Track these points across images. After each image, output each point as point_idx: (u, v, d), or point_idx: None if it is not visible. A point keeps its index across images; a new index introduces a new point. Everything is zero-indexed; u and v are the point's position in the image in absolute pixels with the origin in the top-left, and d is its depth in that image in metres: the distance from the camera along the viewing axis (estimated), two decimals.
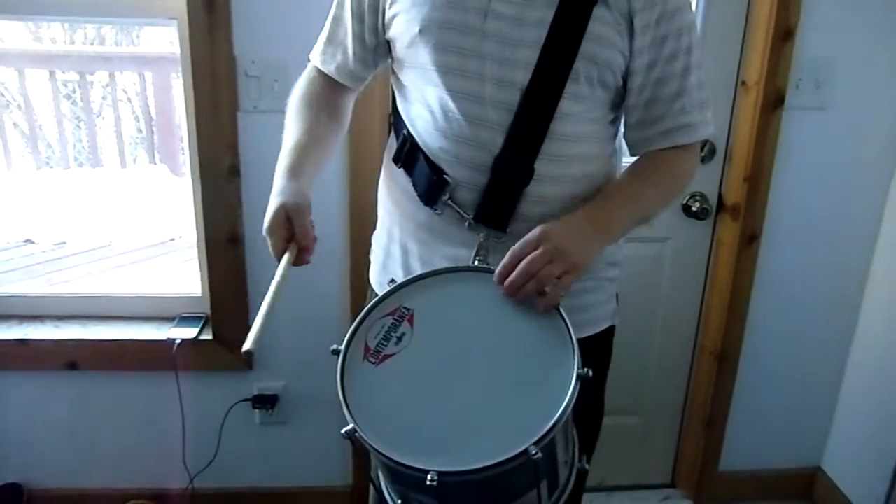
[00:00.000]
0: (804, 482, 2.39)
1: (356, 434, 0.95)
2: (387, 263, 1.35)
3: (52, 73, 3.99)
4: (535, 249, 1.06)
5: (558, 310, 1.04)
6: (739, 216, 2.06)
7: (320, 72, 1.35)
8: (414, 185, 1.24)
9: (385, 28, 1.24)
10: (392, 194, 1.32)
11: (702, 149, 2.03)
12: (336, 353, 1.04)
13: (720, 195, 2.11)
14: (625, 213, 1.19)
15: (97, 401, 2.11)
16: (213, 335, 2.03)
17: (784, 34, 1.90)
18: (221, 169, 1.89)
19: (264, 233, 1.14)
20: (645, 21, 1.13)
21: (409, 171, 1.24)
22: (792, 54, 1.92)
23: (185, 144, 2.00)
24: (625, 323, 2.12)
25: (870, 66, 1.98)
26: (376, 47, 1.29)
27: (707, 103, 1.23)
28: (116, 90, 4.37)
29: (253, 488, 2.19)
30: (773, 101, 1.96)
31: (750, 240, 2.08)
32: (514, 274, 1.05)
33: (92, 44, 5.73)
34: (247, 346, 0.98)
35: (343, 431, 0.95)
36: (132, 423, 2.13)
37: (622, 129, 1.28)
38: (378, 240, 1.40)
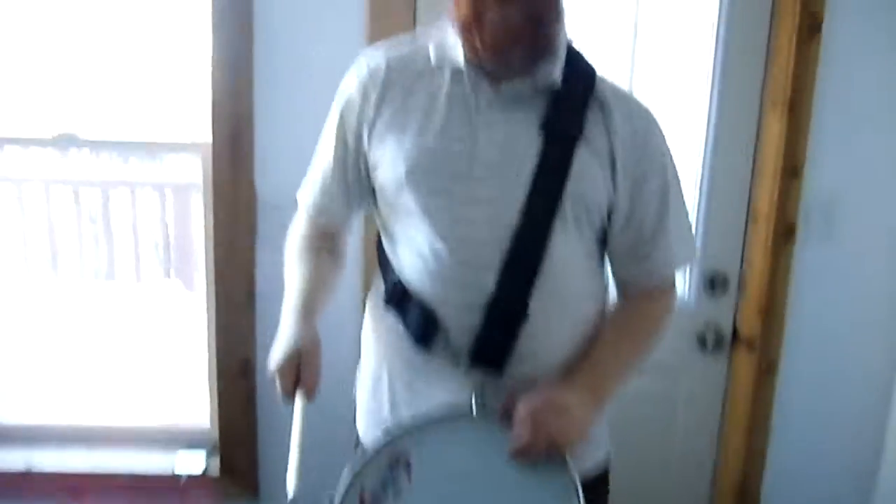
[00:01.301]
0: None
1: None
2: (374, 409, 1.31)
3: (75, 192, 4.10)
4: (533, 436, 1.06)
5: (565, 461, 1.02)
6: (755, 348, 2.04)
7: (310, 217, 1.36)
8: (406, 328, 1.22)
9: (368, 171, 1.25)
10: (381, 336, 1.29)
11: (712, 283, 2.05)
12: (331, 501, 1.02)
13: (735, 327, 2.10)
14: (615, 378, 1.21)
15: None
16: (221, 468, 1.99)
17: (792, 170, 1.93)
18: (237, 298, 1.90)
19: (274, 370, 1.15)
20: (625, 160, 1.16)
21: (401, 313, 1.22)
22: (800, 188, 1.96)
23: (202, 272, 2.02)
24: (639, 459, 2.09)
25: (877, 198, 2.02)
26: (361, 191, 1.29)
27: (690, 228, 1.27)
28: (136, 207, 4.47)
29: None
30: (784, 234, 1.97)
31: (767, 372, 2.05)
32: (528, 437, 1.05)
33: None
34: (291, 495, 1.02)
35: None
36: None
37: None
38: (363, 382, 1.36)
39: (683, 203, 1.26)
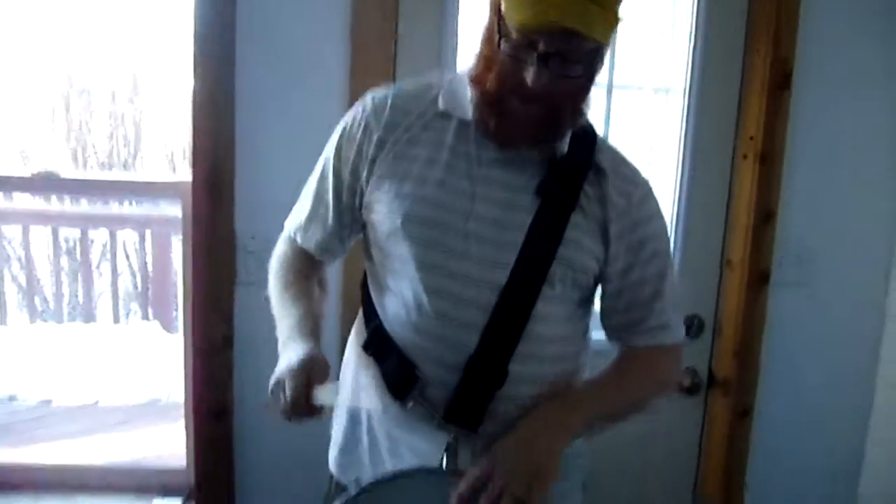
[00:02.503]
0: None
1: None
2: (350, 448, 1.30)
3: (54, 230, 4.08)
4: (489, 475, 1.04)
5: None
6: (730, 391, 2.06)
7: (298, 246, 1.33)
8: (384, 376, 1.20)
9: (362, 210, 1.24)
10: (360, 380, 1.27)
11: (689, 328, 2.07)
12: None
13: (710, 369, 2.12)
14: (590, 410, 1.18)
15: None
16: None
17: (765, 216, 1.97)
18: (216, 340, 1.89)
19: (280, 379, 1.10)
20: (620, 229, 1.17)
21: (379, 361, 1.21)
22: (774, 234, 2.00)
23: (180, 313, 2.01)
24: (617, 499, 2.09)
25: (849, 246, 2.07)
26: (352, 225, 1.28)
27: (676, 309, 1.27)
28: (116, 247, 4.45)
29: None
30: (758, 279, 2.01)
31: (742, 414, 2.07)
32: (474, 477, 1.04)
33: (102, 168, 5.85)
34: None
35: None
36: None
37: (601, 329, 1.29)
38: (341, 421, 1.33)
39: (673, 274, 1.27)
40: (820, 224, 2.04)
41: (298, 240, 1.32)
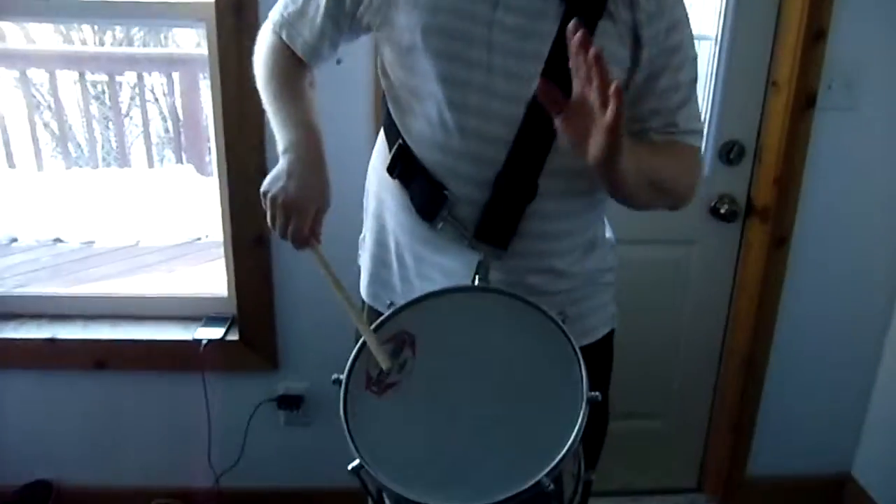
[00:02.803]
0: (833, 489, 2.35)
1: (363, 469, 0.92)
2: (381, 275, 1.30)
3: (81, 75, 4.03)
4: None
5: (563, 332, 1.01)
6: (769, 219, 2.03)
7: (283, 42, 1.26)
8: (411, 199, 1.18)
9: (372, 23, 1.18)
10: (385, 204, 1.26)
11: (728, 153, 2.02)
12: (337, 382, 1.01)
13: (749, 197, 2.09)
14: (641, 154, 1.09)
15: (124, 400, 2.13)
16: (240, 336, 2.05)
17: (816, 34, 1.87)
18: (249, 170, 1.90)
19: (292, 207, 1.09)
20: (653, 33, 1.11)
21: (406, 184, 1.18)
22: (824, 54, 1.90)
23: (212, 145, 2.01)
24: (651, 325, 2.14)
25: None
26: (348, 31, 1.22)
27: (700, 117, 1.22)
28: (144, 91, 4.41)
29: (277, 488, 2.20)
30: (804, 102, 1.93)
31: (779, 243, 2.05)
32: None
33: (121, 45, 5.79)
34: (384, 366, 1.03)
35: (350, 468, 0.93)
36: (158, 422, 2.15)
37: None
38: (368, 249, 1.33)
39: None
40: (873, 46, 1.93)
41: (284, 36, 1.26)
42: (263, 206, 1.13)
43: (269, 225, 1.13)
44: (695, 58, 1.17)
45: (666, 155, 1.17)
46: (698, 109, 1.21)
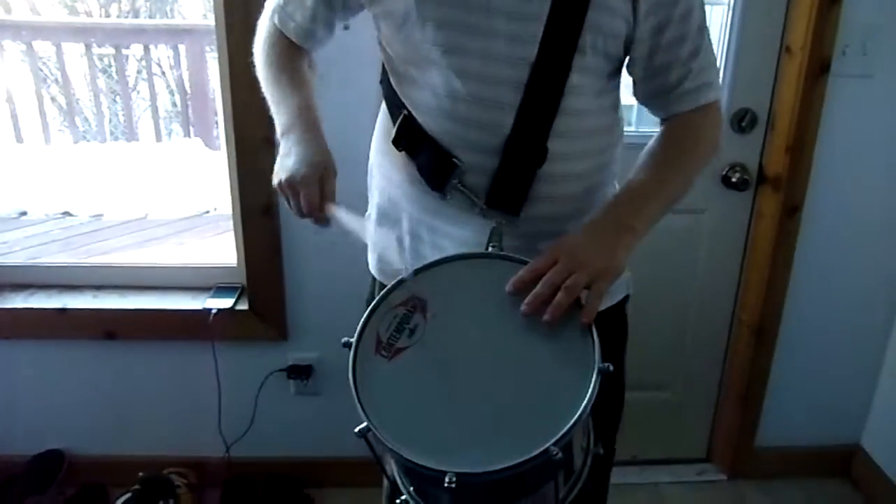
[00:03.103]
0: (843, 460, 2.35)
1: (370, 433, 0.92)
2: (388, 252, 1.26)
3: (87, 48, 4.02)
4: (553, 264, 1.01)
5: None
6: (781, 187, 2.01)
7: (278, 28, 1.26)
8: (419, 170, 1.16)
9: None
10: (392, 177, 1.24)
11: (740, 121, 2.00)
12: (347, 345, 1.00)
13: (761, 165, 2.06)
14: (653, 206, 1.13)
15: (135, 369, 2.14)
16: (249, 305, 2.05)
17: None
18: (256, 140, 1.88)
19: (290, 181, 1.08)
20: None
21: (413, 155, 1.17)
22: (838, 19, 1.86)
23: (220, 118, 2.00)
24: (660, 295, 2.13)
25: None
26: (342, 10, 1.22)
27: (716, 63, 1.20)
28: (151, 64, 4.40)
29: (287, 458, 2.22)
30: (819, 68, 1.90)
31: (791, 211, 2.03)
32: (538, 287, 0.99)
33: (127, 16, 5.75)
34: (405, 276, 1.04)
35: (356, 430, 0.92)
36: (169, 391, 2.16)
37: (637, 99, 1.24)
38: (374, 226, 1.31)
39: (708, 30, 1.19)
40: (889, 11, 1.88)
41: (276, 21, 1.25)
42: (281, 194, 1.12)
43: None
44: (701, 5, 1.15)
45: (674, 154, 1.18)
46: (712, 57, 1.18)
